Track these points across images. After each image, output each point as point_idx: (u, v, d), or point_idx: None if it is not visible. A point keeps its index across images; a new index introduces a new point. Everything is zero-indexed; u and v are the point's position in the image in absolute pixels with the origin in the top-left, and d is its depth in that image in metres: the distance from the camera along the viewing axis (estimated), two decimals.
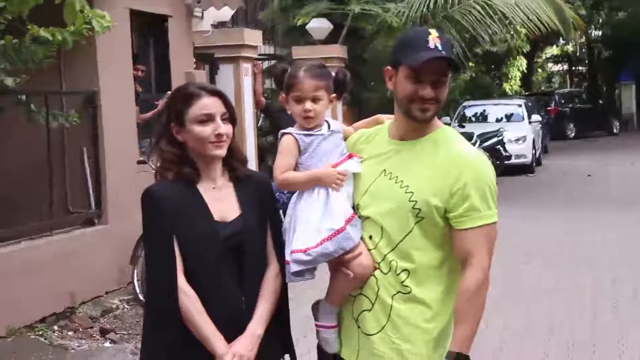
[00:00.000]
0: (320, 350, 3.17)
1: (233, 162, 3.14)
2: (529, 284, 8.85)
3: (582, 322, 7.37)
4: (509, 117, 21.51)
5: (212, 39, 12.41)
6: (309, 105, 3.09)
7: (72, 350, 6.94)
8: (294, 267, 3.00)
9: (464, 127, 19.37)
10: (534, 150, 20.48)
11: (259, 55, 13.89)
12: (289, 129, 3.15)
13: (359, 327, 3.04)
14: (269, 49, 17.95)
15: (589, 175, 18.62)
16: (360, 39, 17.69)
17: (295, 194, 3.11)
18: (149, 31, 10.54)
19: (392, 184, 2.99)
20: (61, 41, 6.87)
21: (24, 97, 7.52)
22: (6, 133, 8.29)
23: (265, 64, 15.20)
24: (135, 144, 9.20)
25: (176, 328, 2.95)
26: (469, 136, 15.56)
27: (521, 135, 19.92)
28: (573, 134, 30.66)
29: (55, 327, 7.43)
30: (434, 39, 2.91)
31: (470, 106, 22.66)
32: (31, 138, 8.11)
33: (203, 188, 3.07)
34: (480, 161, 2.99)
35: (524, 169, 19.41)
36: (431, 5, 15.94)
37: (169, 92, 3.55)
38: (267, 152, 13.65)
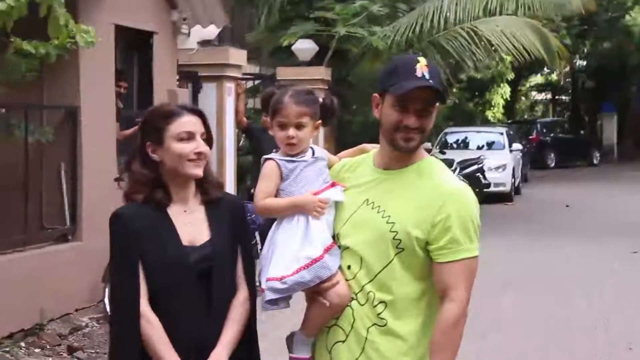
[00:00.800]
0: None
1: (206, 184, 3.09)
2: (504, 312, 8.80)
3: (557, 349, 7.36)
4: (490, 145, 21.55)
5: (196, 57, 12.34)
6: (292, 132, 3.03)
7: None
8: (269, 295, 2.94)
9: (444, 153, 19.33)
10: (513, 179, 20.51)
11: (244, 74, 13.83)
12: (272, 155, 3.09)
13: (331, 358, 2.97)
14: (254, 69, 17.89)
15: (567, 206, 18.61)
16: (345, 62, 17.68)
17: (276, 221, 3.06)
18: (134, 47, 10.47)
19: (374, 213, 2.93)
20: (44, 55, 6.82)
21: (3, 110, 7.44)
22: None
23: (250, 84, 15.14)
24: (114, 160, 9.09)
25: (137, 354, 2.89)
26: (449, 163, 15.54)
27: (501, 163, 19.94)
28: (554, 164, 30.77)
29: (22, 344, 7.30)
30: (422, 67, 2.86)
31: (452, 132, 22.70)
32: (9, 151, 8.01)
33: (173, 211, 3.01)
34: (465, 194, 2.93)
35: (502, 198, 19.41)
36: (417, 30, 15.97)
37: None
38: (246, 172, 13.57)
